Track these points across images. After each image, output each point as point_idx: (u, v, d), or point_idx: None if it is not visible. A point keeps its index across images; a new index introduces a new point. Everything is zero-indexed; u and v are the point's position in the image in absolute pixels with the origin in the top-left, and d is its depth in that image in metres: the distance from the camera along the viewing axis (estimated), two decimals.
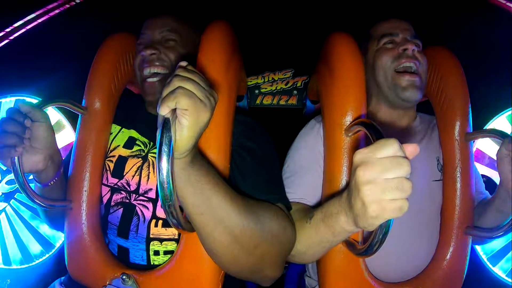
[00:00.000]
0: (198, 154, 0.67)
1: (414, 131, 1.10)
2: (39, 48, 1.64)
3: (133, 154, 0.97)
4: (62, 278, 0.99)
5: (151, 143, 0.98)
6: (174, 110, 0.57)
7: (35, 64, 1.62)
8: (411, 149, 0.56)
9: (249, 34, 1.39)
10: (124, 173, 0.95)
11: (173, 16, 1.03)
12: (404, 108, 1.07)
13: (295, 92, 1.63)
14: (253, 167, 0.86)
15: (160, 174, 0.56)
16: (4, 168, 1.60)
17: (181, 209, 0.65)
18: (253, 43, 1.47)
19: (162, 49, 0.98)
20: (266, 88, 1.64)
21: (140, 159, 0.96)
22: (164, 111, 0.56)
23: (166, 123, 0.56)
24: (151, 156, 0.95)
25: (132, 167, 0.95)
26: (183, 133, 0.58)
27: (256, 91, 1.64)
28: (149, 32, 1.00)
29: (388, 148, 0.54)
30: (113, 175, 0.96)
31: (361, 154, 0.56)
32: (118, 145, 0.99)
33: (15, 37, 1.59)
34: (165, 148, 0.55)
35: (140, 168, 0.94)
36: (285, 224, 0.77)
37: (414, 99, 1.02)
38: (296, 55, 1.62)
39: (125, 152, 0.98)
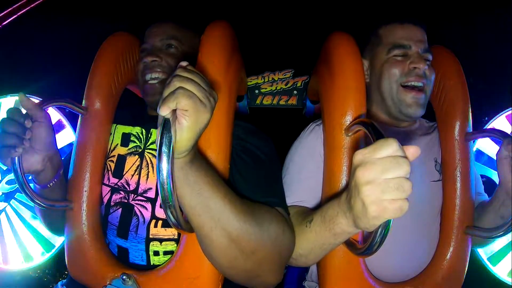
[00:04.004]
0: (197, 155, 0.67)
1: (412, 133, 1.10)
2: (39, 48, 1.64)
3: (130, 151, 0.98)
4: (64, 280, 0.99)
5: (144, 133, 0.99)
6: (174, 111, 0.57)
7: (35, 63, 1.63)
8: (412, 150, 0.56)
9: (249, 34, 1.39)
10: (124, 173, 0.96)
11: (173, 22, 1.06)
12: (403, 120, 1.08)
13: (295, 92, 1.62)
14: (254, 170, 0.86)
15: (161, 174, 0.56)
16: (5, 168, 1.60)
17: (182, 209, 0.65)
18: (253, 43, 1.47)
19: (163, 56, 1.01)
20: (266, 88, 1.64)
21: (137, 156, 0.96)
22: (164, 111, 0.56)
23: (166, 124, 0.56)
24: (148, 153, 0.96)
25: (132, 166, 0.95)
26: (183, 133, 0.58)
27: (256, 91, 1.64)
28: (150, 40, 1.04)
29: (388, 148, 0.54)
30: (114, 175, 0.97)
31: (361, 155, 0.56)
32: (117, 144, 1.00)
33: (15, 36, 1.59)
34: (165, 149, 0.55)
35: (140, 167, 0.95)
36: (284, 228, 0.77)
37: (417, 116, 1.02)
38: (296, 55, 1.62)
39: (123, 150, 0.98)
